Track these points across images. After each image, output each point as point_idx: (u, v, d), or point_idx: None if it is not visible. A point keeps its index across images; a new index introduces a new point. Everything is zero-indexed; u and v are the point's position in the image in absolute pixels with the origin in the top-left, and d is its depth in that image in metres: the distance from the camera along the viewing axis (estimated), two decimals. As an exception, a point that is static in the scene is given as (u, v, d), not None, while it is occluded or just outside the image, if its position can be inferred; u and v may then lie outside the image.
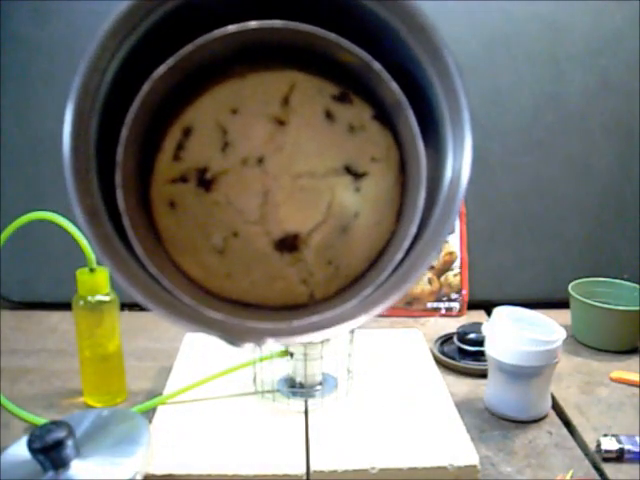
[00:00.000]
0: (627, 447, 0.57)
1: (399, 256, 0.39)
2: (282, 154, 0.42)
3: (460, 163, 0.36)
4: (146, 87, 0.38)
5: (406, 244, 0.39)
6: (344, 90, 0.42)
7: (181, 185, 0.42)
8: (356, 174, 0.43)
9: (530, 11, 0.91)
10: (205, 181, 0.42)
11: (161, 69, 0.38)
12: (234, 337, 0.36)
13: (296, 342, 0.37)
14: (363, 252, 0.43)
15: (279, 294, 0.43)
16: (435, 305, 0.93)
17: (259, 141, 0.42)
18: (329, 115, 0.42)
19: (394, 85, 0.39)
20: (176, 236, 0.42)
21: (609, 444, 0.58)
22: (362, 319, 0.36)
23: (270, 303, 0.43)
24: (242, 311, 0.42)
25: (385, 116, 0.43)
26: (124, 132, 0.38)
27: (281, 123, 0.42)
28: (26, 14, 0.89)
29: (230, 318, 0.37)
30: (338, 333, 0.36)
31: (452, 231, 0.92)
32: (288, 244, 0.43)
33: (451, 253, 0.94)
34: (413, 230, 0.39)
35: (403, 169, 0.43)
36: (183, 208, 0.42)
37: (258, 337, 0.36)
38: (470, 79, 0.95)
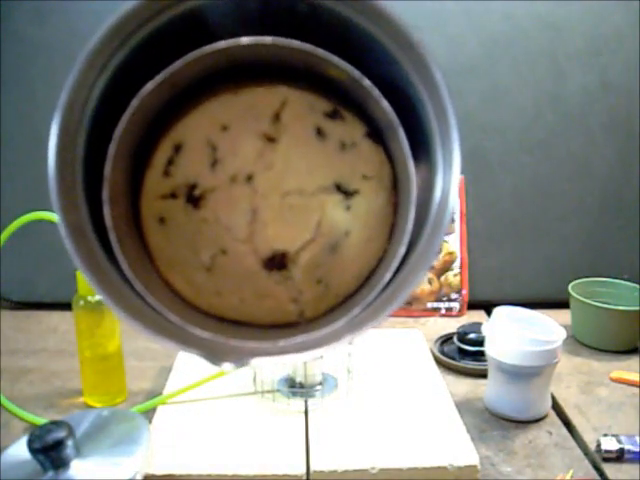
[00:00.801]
0: (627, 447, 0.57)
1: (388, 276, 0.38)
2: (271, 172, 0.41)
3: (449, 184, 0.36)
4: (134, 103, 0.37)
5: (395, 264, 0.38)
6: (336, 107, 0.42)
7: (171, 201, 0.41)
8: (347, 192, 0.42)
9: (530, 11, 0.91)
10: (194, 198, 0.42)
11: (149, 85, 0.37)
12: (216, 356, 0.35)
13: (281, 362, 0.36)
14: (354, 271, 0.43)
15: (268, 312, 0.42)
16: (435, 305, 0.93)
17: (248, 158, 0.41)
18: (320, 132, 0.42)
19: (384, 103, 0.38)
20: (166, 253, 0.42)
21: (609, 444, 0.58)
22: (348, 339, 0.36)
23: (260, 322, 0.42)
24: (231, 329, 0.41)
25: (377, 133, 0.42)
26: (112, 148, 0.37)
27: (271, 140, 0.41)
28: (26, 14, 0.89)
29: (215, 336, 0.37)
30: (323, 353, 0.36)
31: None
32: (276, 262, 0.42)
33: (451, 253, 0.94)
34: (402, 250, 0.38)
35: (396, 187, 0.43)
36: (172, 224, 0.42)
37: (240, 356, 0.36)
38: (470, 79, 0.96)
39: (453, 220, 0.93)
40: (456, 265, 0.94)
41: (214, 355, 0.35)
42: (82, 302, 0.63)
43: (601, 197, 0.96)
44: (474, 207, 0.95)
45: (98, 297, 0.64)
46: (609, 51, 0.92)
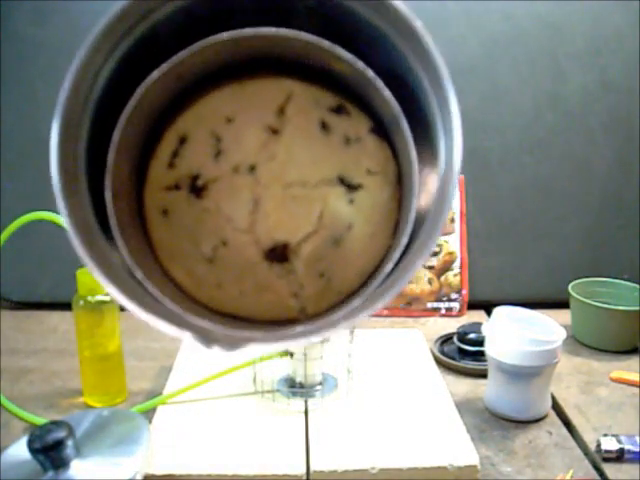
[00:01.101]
0: (627, 447, 0.57)
1: (389, 267, 0.38)
2: (274, 163, 0.42)
3: (451, 157, 0.36)
4: (139, 92, 0.38)
5: (396, 255, 0.38)
6: (341, 101, 0.42)
7: (174, 193, 0.42)
8: (350, 185, 0.42)
9: (530, 11, 0.91)
10: (196, 188, 0.42)
11: (154, 75, 0.37)
12: (209, 339, 0.35)
13: (276, 348, 0.36)
14: (357, 267, 0.42)
15: (269, 307, 0.42)
16: (435, 305, 0.93)
17: (252, 149, 0.41)
18: (325, 126, 0.42)
19: (387, 93, 0.38)
20: (168, 245, 0.42)
21: (609, 444, 0.58)
22: (343, 326, 0.35)
23: (260, 317, 0.42)
24: (230, 323, 0.41)
25: (383, 129, 0.42)
26: (116, 135, 0.37)
27: (275, 132, 0.42)
28: (26, 13, 0.89)
29: (213, 326, 0.37)
30: (318, 340, 0.36)
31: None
32: (278, 254, 0.42)
33: (451, 253, 0.94)
34: (404, 241, 0.38)
35: (400, 183, 0.43)
36: (175, 216, 0.42)
37: (234, 341, 0.36)
38: (470, 79, 0.96)
39: (453, 220, 0.93)
40: (456, 265, 0.94)
41: (208, 338, 0.35)
42: (82, 302, 0.63)
43: (601, 197, 0.96)
44: (474, 207, 0.94)
45: (98, 297, 0.64)
46: (609, 51, 0.92)
